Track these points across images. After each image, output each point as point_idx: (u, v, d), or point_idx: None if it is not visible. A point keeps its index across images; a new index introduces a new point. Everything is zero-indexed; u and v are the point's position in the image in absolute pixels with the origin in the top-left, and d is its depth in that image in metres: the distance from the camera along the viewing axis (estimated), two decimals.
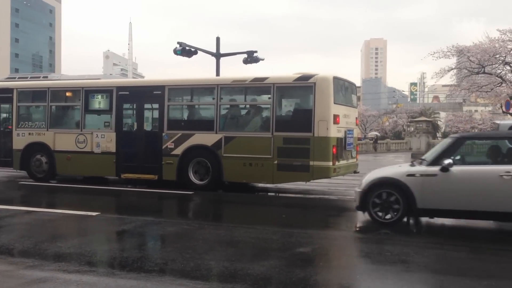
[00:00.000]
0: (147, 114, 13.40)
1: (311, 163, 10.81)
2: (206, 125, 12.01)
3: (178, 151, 12.00)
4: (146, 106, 13.21)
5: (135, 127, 13.14)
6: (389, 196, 7.61)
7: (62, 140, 13.21)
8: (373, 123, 70.03)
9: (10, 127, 13.96)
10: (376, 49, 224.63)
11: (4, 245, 6.45)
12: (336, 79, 11.25)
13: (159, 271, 5.36)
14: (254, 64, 24.23)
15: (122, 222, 8.15)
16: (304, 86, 11.27)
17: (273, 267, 5.45)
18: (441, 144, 8.21)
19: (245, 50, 23.78)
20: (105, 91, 13.19)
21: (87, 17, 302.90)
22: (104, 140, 12.81)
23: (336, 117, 10.96)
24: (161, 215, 9.69)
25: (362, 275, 5.36)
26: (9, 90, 13.90)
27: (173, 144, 12.09)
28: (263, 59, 24.14)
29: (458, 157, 7.61)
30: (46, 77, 14.77)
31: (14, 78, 15.29)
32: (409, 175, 7.59)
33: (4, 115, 14.46)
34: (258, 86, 11.83)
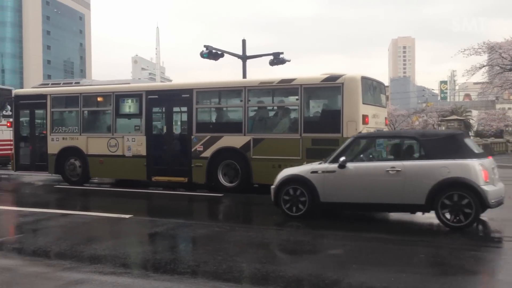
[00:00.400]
0: (176, 117, 13.57)
1: None
2: (235, 127, 12.07)
3: (207, 153, 12.09)
4: (175, 109, 13.38)
5: (165, 130, 13.31)
6: (296, 191, 8.30)
7: (95, 144, 13.49)
8: (403, 122, 68.94)
9: (44, 132, 14.33)
10: (404, 47, 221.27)
11: (41, 248, 6.63)
12: (364, 79, 11.16)
13: (191, 273, 5.42)
14: (280, 66, 24.21)
15: (154, 225, 8.27)
16: (332, 86, 11.21)
17: (305, 269, 5.45)
18: (343, 143, 8.85)
19: (271, 52, 23.80)
20: (135, 95, 13.41)
21: (115, 23, 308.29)
22: (135, 144, 13.02)
23: (365, 117, 10.87)
24: (192, 217, 9.78)
25: (396, 277, 5.29)
26: (43, 96, 14.26)
27: (202, 146, 12.20)
28: (289, 61, 24.08)
29: (355, 155, 8.33)
30: (78, 82, 15.02)
31: (47, 84, 15.58)
32: (312, 172, 8.29)
33: (38, 120, 14.85)
34: (286, 87, 11.82)
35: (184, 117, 13.05)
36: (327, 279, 5.10)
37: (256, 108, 12.35)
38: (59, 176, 14.32)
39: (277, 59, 23.62)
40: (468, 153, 7.57)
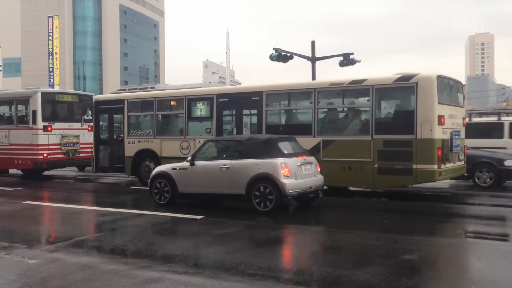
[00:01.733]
0: (246, 119, 13.71)
1: (414, 166, 10.36)
2: (304, 129, 11.99)
3: None
4: (245, 112, 13.53)
5: (235, 132, 13.47)
6: (162, 184, 10.42)
7: (168, 147, 13.93)
8: None
9: (122, 135, 15.00)
10: (482, 44, 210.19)
11: (119, 246, 6.93)
12: (440, 78, 10.70)
13: (262, 275, 5.42)
14: (350, 67, 23.78)
15: (224, 226, 8.37)
16: (405, 86, 10.85)
17: (377, 274, 5.28)
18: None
19: (340, 53, 23.45)
20: (206, 98, 13.71)
21: (188, 30, 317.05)
22: None
23: (440, 117, 10.42)
24: (262, 219, 9.79)
25: (476, 286, 5.01)
26: (121, 101, 14.95)
27: None
28: (359, 61, 23.60)
29: (203, 155, 10.30)
30: (153, 87, 15.63)
31: (125, 89, 16.32)
32: (173, 169, 10.39)
33: (116, 124, 15.57)
34: (356, 88, 11.58)
35: (254, 119, 13.15)
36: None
37: (326, 109, 12.21)
38: (135, 178, 14.91)
39: (347, 60, 23.22)
40: (276, 154, 9.45)
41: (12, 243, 7.12)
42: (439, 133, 10.41)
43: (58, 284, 5.25)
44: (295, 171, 9.28)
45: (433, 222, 8.76)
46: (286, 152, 9.64)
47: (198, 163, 10.07)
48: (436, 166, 10.26)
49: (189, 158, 10.22)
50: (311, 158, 10.06)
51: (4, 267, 5.97)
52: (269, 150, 9.53)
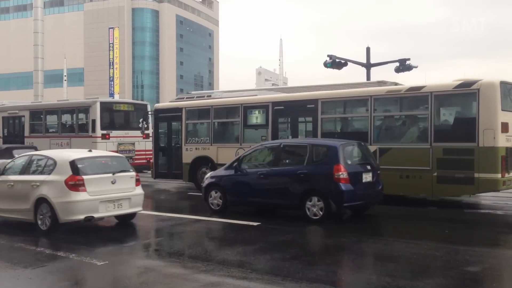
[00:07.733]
0: (301, 127, 13.74)
1: (476, 175, 10.04)
2: (360, 137, 11.84)
3: None
4: (300, 119, 13.57)
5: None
6: None
7: (224, 154, 14.18)
8: None
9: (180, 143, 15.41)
10: None
11: (179, 251, 7.17)
12: (503, 84, 10.34)
13: (320, 282, 5.46)
14: (406, 73, 23.36)
15: (281, 232, 8.45)
16: (466, 93, 10.55)
17: (439, 285, 5.19)
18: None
19: (396, 59, 23.06)
20: (262, 106, 13.86)
21: (241, 37, 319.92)
22: None
23: (504, 125, 10.06)
24: (319, 226, 9.80)
25: None
26: (179, 109, 15.40)
27: None
28: (416, 67, 23.12)
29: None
30: (210, 96, 15.99)
31: (183, 98, 16.82)
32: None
33: (175, 131, 16.03)
34: (414, 95, 11.37)
35: (309, 127, 13.16)
36: None
37: (382, 117, 12.05)
38: (192, 184, 15.26)
39: (403, 66, 22.82)
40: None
41: (81, 246, 7.52)
42: (503, 141, 10.04)
43: (125, 285, 5.51)
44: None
45: (496, 233, 8.46)
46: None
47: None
48: (499, 175, 9.90)
49: None
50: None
51: (74, 267, 6.33)
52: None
